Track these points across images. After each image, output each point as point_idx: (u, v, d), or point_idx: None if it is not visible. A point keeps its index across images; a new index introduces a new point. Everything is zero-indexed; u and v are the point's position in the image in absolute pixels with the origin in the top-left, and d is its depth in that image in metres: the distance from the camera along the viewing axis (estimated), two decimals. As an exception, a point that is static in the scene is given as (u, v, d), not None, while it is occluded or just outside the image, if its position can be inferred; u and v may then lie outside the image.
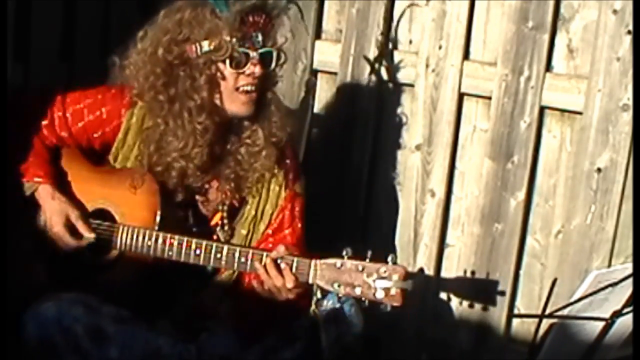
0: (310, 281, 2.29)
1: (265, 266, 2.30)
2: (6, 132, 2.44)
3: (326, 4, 3.21)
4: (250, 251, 2.34)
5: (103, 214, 2.47)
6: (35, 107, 2.51)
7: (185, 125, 2.39)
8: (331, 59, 3.18)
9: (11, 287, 2.39)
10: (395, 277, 2.23)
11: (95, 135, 2.51)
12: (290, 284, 2.29)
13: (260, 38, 2.36)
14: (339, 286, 2.26)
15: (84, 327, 2.32)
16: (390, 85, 3.11)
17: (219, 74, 2.37)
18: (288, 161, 2.56)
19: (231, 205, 2.52)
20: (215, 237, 2.51)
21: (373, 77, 3.09)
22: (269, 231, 2.54)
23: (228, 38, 2.32)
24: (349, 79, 3.13)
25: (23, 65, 3.09)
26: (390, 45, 3.10)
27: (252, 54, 2.35)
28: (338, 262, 2.27)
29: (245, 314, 2.48)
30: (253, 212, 2.53)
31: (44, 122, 2.50)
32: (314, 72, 3.22)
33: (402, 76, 3.08)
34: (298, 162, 2.65)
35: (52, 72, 3.07)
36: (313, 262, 2.29)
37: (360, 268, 2.25)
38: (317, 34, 3.21)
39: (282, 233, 2.54)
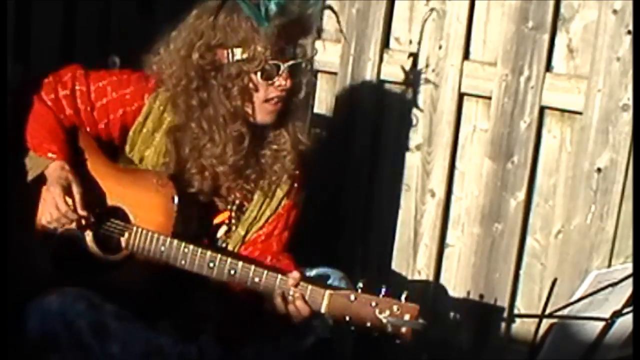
0: (322, 311, 2.29)
1: (286, 302, 2.30)
2: (6, 132, 2.44)
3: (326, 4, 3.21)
4: (265, 272, 2.32)
5: (117, 213, 2.45)
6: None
7: (221, 132, 2.39)
8: (331, 59, 3.17)
9: (16, 279, 2.38)
10: (407, 316, 2.22)
11: (116, 115, 2.47)
12: (305, 313, 2.29)
13: (292, 50, 2.36)
14: (350, 319, 2.25)
15: (87, 322, 2.32)
16: (390, 85, 3.11)
17: (251, 85, 2.36)
18: (297, 171, 2.56)
19: (240, 205, 2.52)
20: (219, 235, 2.50)
21: (373, 77, 3.09)
22: (261, 236, 2.53)
23: (262, 50, 2.31)
24: (349, 79, 3.13)
25: (23, 65, 3.09)
26: (390, 45, 3.10)
27: (283, 66, 2.34)
28: (352, 295, 2.25)
29: (236, 316, 2.48)
30: (254, 214, 2.53)
31: (64, 93, 2.46)
32: (314, 72, 3.22)
33: (402, 76, 3.07)
34: (304, 174, 2.64)
35: (52, 72, 3.06)
36: (327, 292, 2.28)
37: (373, 304, 2.24)
38: (317, 34, 3.21)
39: (270, 240, 2.54)
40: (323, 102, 3.23)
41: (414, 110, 3.06)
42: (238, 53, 2.34)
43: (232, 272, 2.34)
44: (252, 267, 2.33)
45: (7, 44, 2.79)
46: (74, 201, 2.38)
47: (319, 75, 3.22)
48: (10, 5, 2.88)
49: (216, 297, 2.50)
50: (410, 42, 3.08)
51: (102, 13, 3.35)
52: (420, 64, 3.03)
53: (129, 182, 2.46)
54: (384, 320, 2.23)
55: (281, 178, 2.50)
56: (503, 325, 3.00)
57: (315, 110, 3.18)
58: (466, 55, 2.98)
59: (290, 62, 2.35)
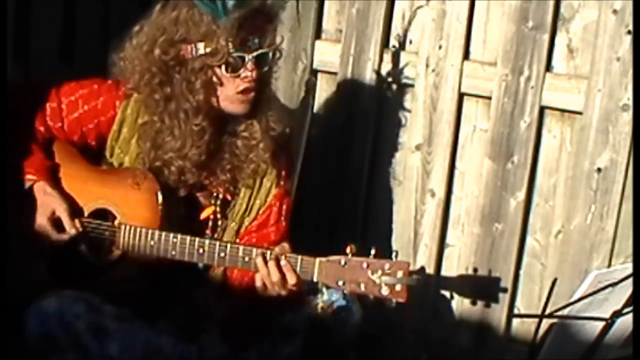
0: (315, 279, 2.29)
1: (267, 263, 2.30)
2: (6, 131, 2.44)
3: (326, 4, 3.21)
4: (254, 249, 2.33)
5: (104, 214, 2.46)
6: (29, 100, 2.50)
7: (182, 126, 2.38)
8: (331, 59, 3.17)
9: (13, 284, 2.39)
10: (399, 273, 2.23)
11: (89, 126, 2.49)
12: (292, 280, 2.29)
13: (257, 40, 2.34)
14: (343, 284, 2.26)
15: (86, 323, 2.32)
16: (390, 85, 3.11)
17: (215, 78, 2.35)
18: (283, 159, 2.55)
19: (224, 199, 2.52)
20: (207, 231, 2.50)
21: (373, 77, 3.09)
22: (253, 226, 2.53)
23: (224, 43, 2.30)
24: (349, 79, 3.13)
25: (23, 65, 3.10)
26: (390, 45, 3.10)
27: (248, 57, 2.33)
28: (342, 259, 2.26)
29: (238, 314, 2.48)
30: (244, 207, 2.52)
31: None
32: (314, 72, 3.22)
33: (402, 76, 3.08)
34: (292, 162, 2.64)
35: (52, 72, 3.07)
36: (317, 260, 2.29)
37: (364, 265, 2.25)
38: (317, 34, 3.21)
39: (266, 229, 2.53)
40: (323, 102, 3.23)
41: (414, 110, 3.07)
42: (201, 47, 2.33)
43: (222, 254, 2.34)
44: (241, 247, 2.34)
45: (7, 44, 2.79)
46: (61, 223, 2.42)
47: (319, 75, 3.23)
48: (10, 5, 2.89)
49: (217, 295, 2.51)
50: (410, 42, 3.08)
51: (102, 13, 3.35)
52: (420, 64, 3.03)
53: (111, 183, 2.47)
54: (377, 281, 2.23)
55: (259, 166, 2.49)
56: (503, 325, 3.00)
57: (315, 110, 3.18)
58: (466, 55, 2.98)
59: (256, 53, 2.34)
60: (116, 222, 2.43)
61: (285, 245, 2.33)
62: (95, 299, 2.37)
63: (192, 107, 2.37)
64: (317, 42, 3.21)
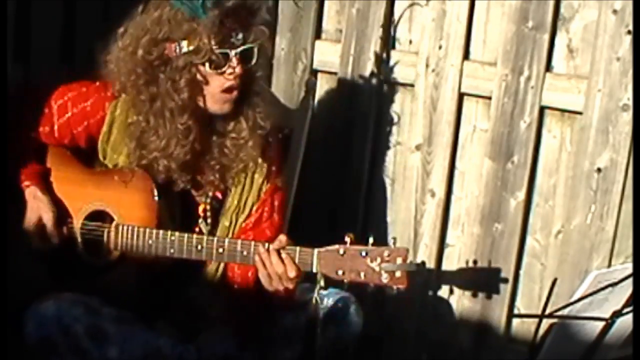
0: (314, 270, 2.27)
1: (269, 256, 2.29)
2: (6, 131, 2.44)
3: (326, 4, 3.21)
4: (252, 244, 2.33)
5: (101, 216, 2.46)
6: (29, 105, 2.50)
7: (167, 125, 2.37)
8: (331, 59, 3.17)
9: (12, 286, 2.39)
10: (399, 259, 2.22)
11: (79, 128, 2.48)
12: (292, 273, 2.28)
13: (240, 36, 2.33)
14: (343, 273, 2.24)
15: (84, 326, 2.32)
16: (391, 85, 3.11)
17: (199, 76, 2.35)
18: (273, 154, 2.54)
19: (214, 197, 2.52)
20: (197, 229, 2.49)
21: (373, 77, 3.09)
22: (249, 224, 2.52)
23: (207, 41, 2.30)
24: (349, 79, 3.13)
25: (23, 65, 3.09)
26: (390, 45, 3.10)
27: (232, 53, 2.33)
28: (341, 249, 2.25)
29: (237, 312, 2.48)
30: (235, 203, 2.51)
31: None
32: (314, 72, 3.22)
33: (402, 76, 3.08)
34: (283, 156, 2.63)
35: (52, 72, 3.07)
36: (316, 250, 2.28)
37: (363, 253, 2.23)
38: (317, 34, 3.21)
39: (261, 226, 2.52)
40: (323, 102, 3.23)
41: (414, 110, 3.07)
42: (184, 45, 2.32)
43: (220, 250, 2.34)
44: (239, 241, 2.34)
45: (7, 44, 2.79)
46: (45, 230, 2.42)
47: (319, 75, 3.23)
48: (10, 5, 2.89)
49: (216, 294, 2.50)
50: (410, 42, 3.08)
51: (102, 13, 3.35)
52: (420, 64, 3.03)
53: (106, 184, 2.46)
54: (377, 268, 2.22)
55: (248, 165, 2.48)
56: (503, 325, 3.00)
57: (315, 110, 3.18)
58: (466, 55, 2.98)
59: (240, 49, 2.33)
60: (113, 224, 2.43)
61: (283, 237, 2.32)
62: (94, 301, 2.36)
63: (177, 106, 2.36)
64: (317, 42, 3.21)
